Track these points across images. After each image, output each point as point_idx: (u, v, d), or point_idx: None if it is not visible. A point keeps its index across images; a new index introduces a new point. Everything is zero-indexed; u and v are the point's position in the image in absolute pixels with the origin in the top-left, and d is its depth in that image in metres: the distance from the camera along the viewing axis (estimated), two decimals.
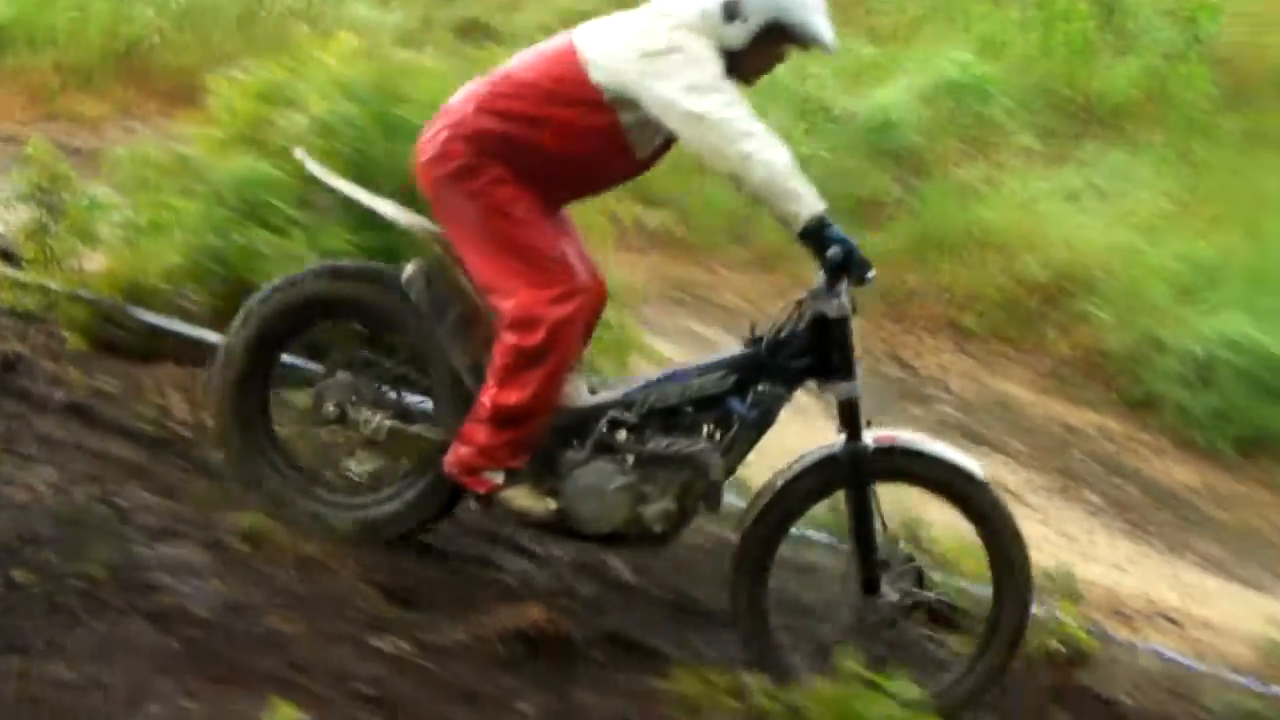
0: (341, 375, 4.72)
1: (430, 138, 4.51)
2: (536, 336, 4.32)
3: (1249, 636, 6.31)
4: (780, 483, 4.57)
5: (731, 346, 4.71)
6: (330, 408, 4.69)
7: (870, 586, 4.53)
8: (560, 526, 4.54)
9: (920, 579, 4.61)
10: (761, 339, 4.52)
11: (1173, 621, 6.52)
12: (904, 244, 11.34)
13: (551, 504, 4.47)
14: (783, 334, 4.49)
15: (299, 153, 4.92)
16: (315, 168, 4.85)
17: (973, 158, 11.52)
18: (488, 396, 4.41)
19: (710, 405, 4.50)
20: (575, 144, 4.42)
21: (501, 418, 4.40)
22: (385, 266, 4.75)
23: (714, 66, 4.29)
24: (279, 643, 3.87)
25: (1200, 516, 8.87)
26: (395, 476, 4.78)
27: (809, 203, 4.21)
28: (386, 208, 4.73)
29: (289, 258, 5.43)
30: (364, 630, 4.12)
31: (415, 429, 4.65)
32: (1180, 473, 9.35)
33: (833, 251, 4.22)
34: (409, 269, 4.60)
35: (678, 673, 3.38)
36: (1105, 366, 10.09)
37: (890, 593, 4.51)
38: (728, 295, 10.83)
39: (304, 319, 4.78)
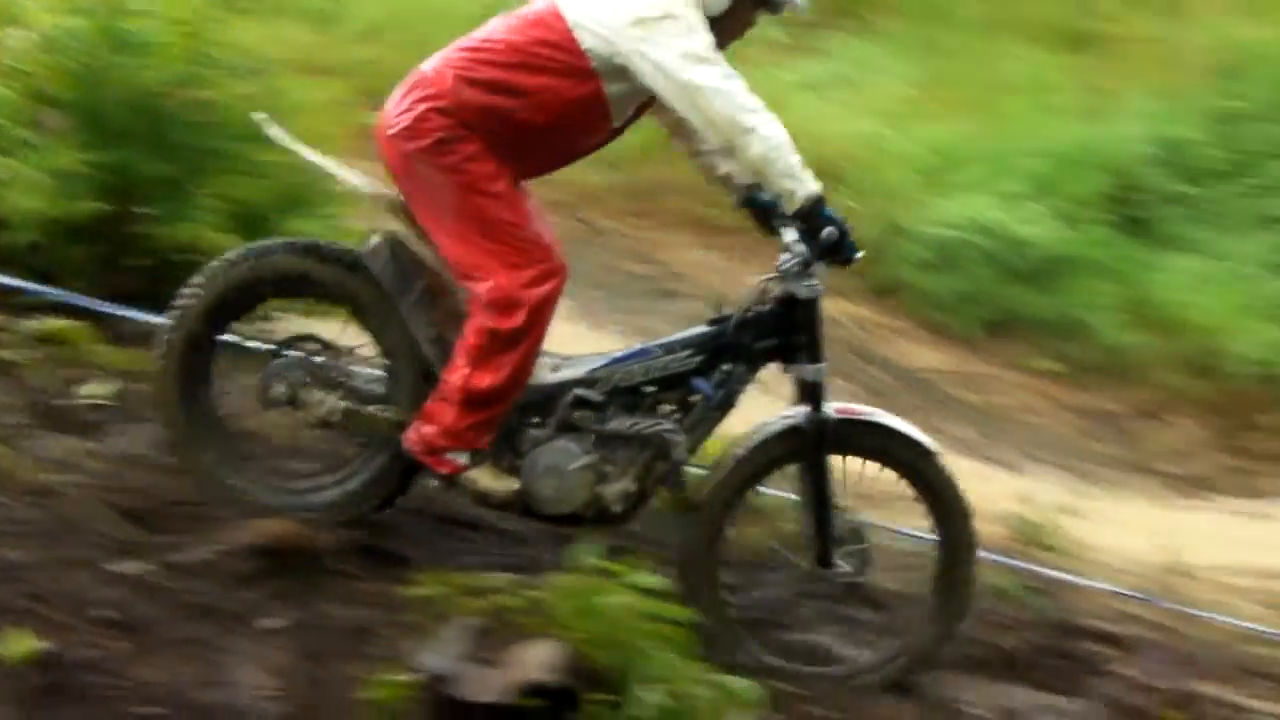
0: (289, 354, 4.59)
1: (402, 109, 4.31)
2: (516, 319, 4.25)
3: (999, 515, 6.55)
4: (742, 451, 4.57)
5: (697, 326, 4.63)
6: (280, 389, 4.55)
7: (824, 559, 4.59)
8: (520, 507, 4.50)
9: (867, 560, 4.66)
10: (727, 318, 4.50)
11: None
12: (646, 139, 11.42)
13: (514, 484, 4.42)
14: (749, 314, 4.46)
15: (259, 118, 4.66)
16: (278, 134, 4.63)
17: None
18: (458, 376, 4.32)
19: (674, 384, 4.49)
20: (557, 113, 4.31)
21: (473, 399, 4.32)
22: (348, 245, 4.59)
23: (707, 35, 4.22)
24: (14, 573, 3.80)
25: (949, 399, 9.21)
26: (345, 458, 4.71)
27: (806, 182, 4.19)
28: (351, 175, 4.58)
29: (19, 178, 5.27)
30: (104, 555, 4.05)
31: (371, 409, 4.54)
32: (929, 356, 9.66)
33: (828, 232, 4.19)
34: (371, 241, 4.48)
35: (421, 577, 3.44)
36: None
37: (843, 566, 4.59)
38: None
39: (262, 293, 4.62)
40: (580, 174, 11.13)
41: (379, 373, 4.62)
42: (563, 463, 4.39)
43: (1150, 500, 8.25)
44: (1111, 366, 10.11)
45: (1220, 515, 8.28)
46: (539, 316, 4.29)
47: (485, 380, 4.28)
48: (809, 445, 4.48)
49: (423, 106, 4.25)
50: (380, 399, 4.56)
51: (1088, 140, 11.16)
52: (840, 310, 9.84)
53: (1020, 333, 10.20)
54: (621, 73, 4.25)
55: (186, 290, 4.52)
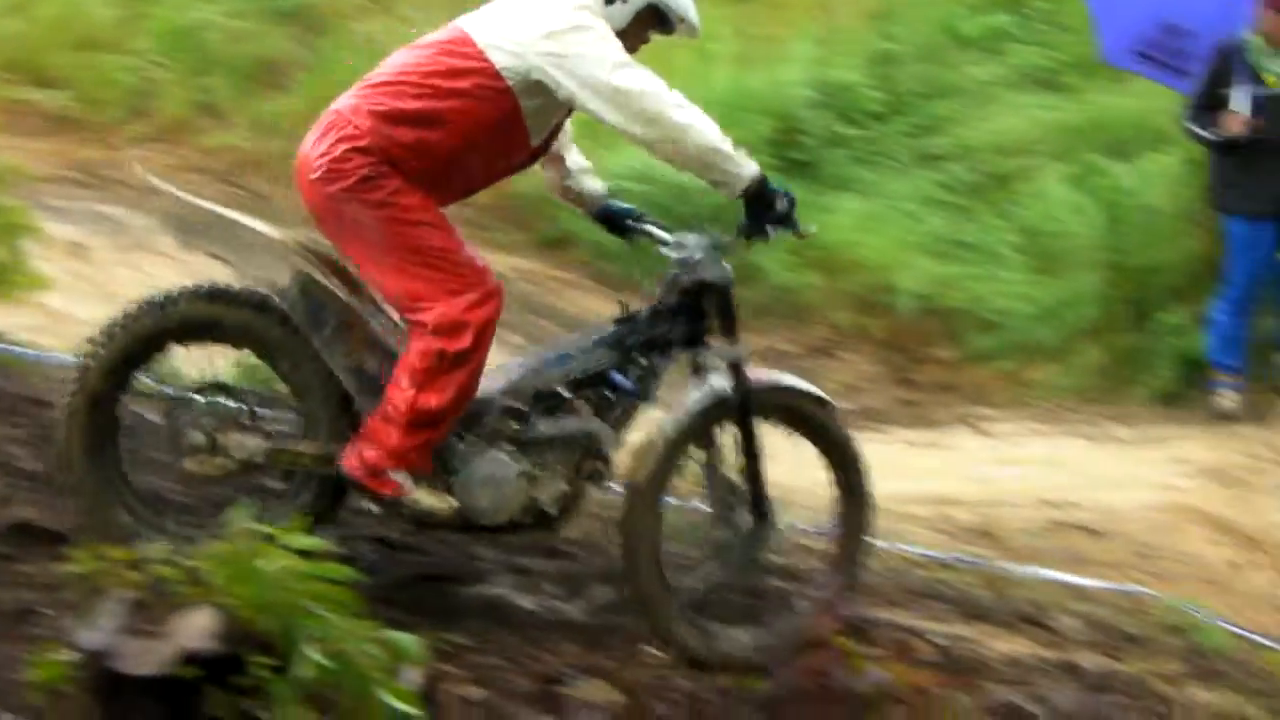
0: (197, 400, 4.56)
1: (321, 151, 4.37)
2: (463, 341, 4.33)
3: None
4: (672, 429, 4.65)
5: (604, 324, 4.76)
6: (197, 435, 4.52)
7: (763, 513, 4.77)
8: (459, 523, 4.54)
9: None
10: (635, 314, 4.67)
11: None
12: (304, 104, 11.30)
13: (453, 502, 4.49)
14: (660, 306, 4.65)
15: (141, 170, 4.60)
16: (165, 186, 4.70)
17: (370, 12, 11.59)
18: (402, 400, 4.36)
19: (593, 383, 4.62)
20: (478, 137, 4.40)
21: (420, 419, 4.37)
22: (257, 289, 4.57)
23: (618, 41, 4.32)
24: None
25: None
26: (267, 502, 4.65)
27: (747, 164, 4.34)
28: (253, 222, 4.61)
29: None
30: None
31: (294, 446, 4.56)
32: (596, 305, 9.79)
33: (780, 205, 4.38)
34: (283, 283, 4.51)
35: (75, 554, 3.39)
36: (522, 209, 10.40)
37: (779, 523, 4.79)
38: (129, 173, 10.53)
39: (167, 342, 4.56)
40: (238, 140, 11.01)
41: (288, 414, 4.65)
42: (497, 472, 4.52)
43: None
44: (783, 308, 10.45)
45: (895, 447, 8.63)
46: (483, 337, 4.39)
47: (433, 400, 4.36)
48: (736, 412, 4.65)
49: (342, 147, 4.33)
50: (295, 437, 4.60)
51: (750, 87, 11.43)
52: (508, 265, 9.91)
53: None
54: (537, 88, 4.35)
55: (88, 346, 4.46)
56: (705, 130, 4.30)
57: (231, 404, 4.58)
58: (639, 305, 4.74)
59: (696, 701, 3.94)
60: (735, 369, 4.65)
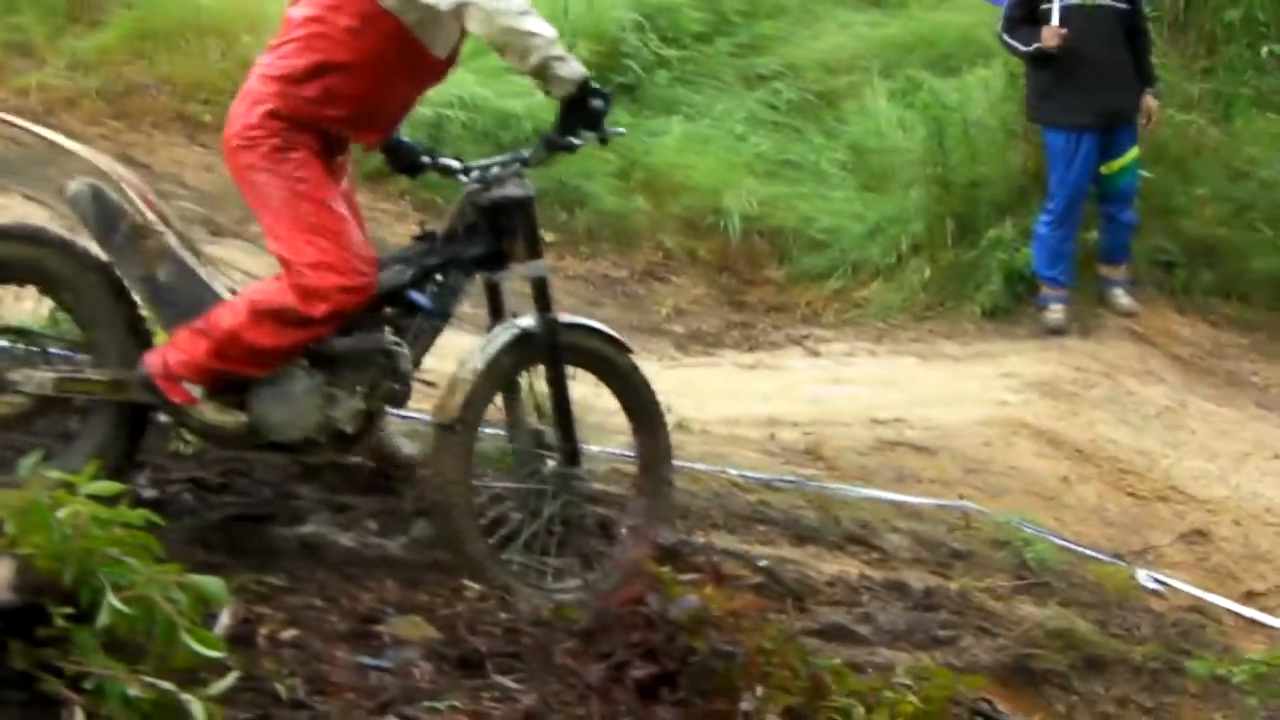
0: None
1: (236, 123, 4.45)
2: (316, 309, 4.37)
3: None
4: (480, 364, 4.58)
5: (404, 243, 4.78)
6: None
7: (572, 458, 4.72)
8: (250, 439, 4.52)
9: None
10: (433, 233, 4.68)
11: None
12: (120, 38, 11.11)
13: (241, 417, 4.47)
14: (458, 224, 4.63)
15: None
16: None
17: None
18: (231, 319, 4.40)
19: (390, 300, 4.58)
20: (377, 68, 4.46)
21: (237, 349, 4.41)
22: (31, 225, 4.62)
23: None
24: None
25: None
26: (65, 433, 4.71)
27: (575, 67, 4.37)
28: (62, 139, 4.72)
29: None
30: None
31: (85, 374, 4.52)
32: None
33: (596, 104, 4.40)
34: (72, 186, 4.51)
35: None
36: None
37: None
38: None
39: None
40: (52, 79, 10.76)
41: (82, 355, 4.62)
42: (289, 388, 4.50)
43: (660, 360, 8.58)
44: (611, 232, 10.49)
45: (725, 369, 8.76)
46: (331, 320, 4.42)
47: (257, 337, 4.40)
48: (543, 347, 4.63)
49: (257, 112, 4.41)
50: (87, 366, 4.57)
51: (571, 9, 11.40)
52: None
53: None
54: (413, 3, 4.37)
55: None
56: (547, 40, 4.33)
57: (22, 347, 4.57)
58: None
59: (513, 634, 3.97)
60: (540, 286, 4.65)
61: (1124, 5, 8.97)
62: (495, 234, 4.64)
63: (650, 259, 10.38)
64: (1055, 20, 8.86)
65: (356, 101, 4.50)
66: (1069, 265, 9.29)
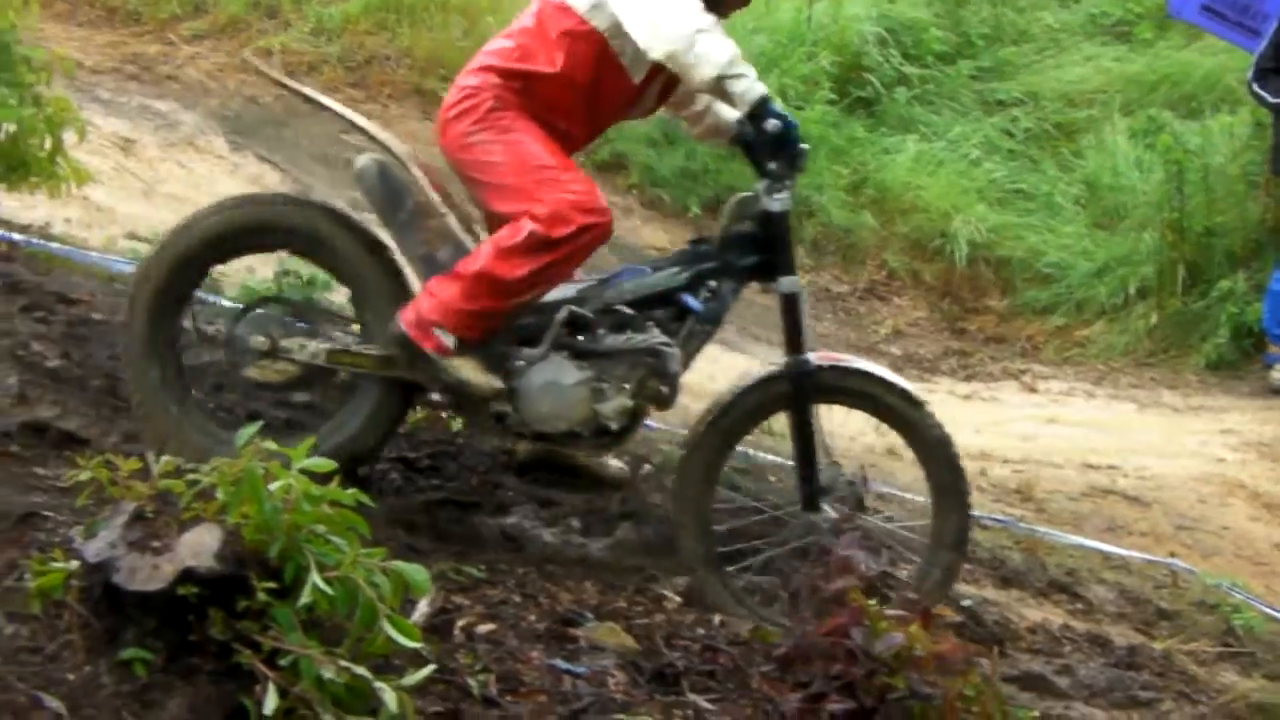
0: (260, 309, 4.60)
1: (449, 103, 4.52)
2: (563, 229, 4.33)
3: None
4: (725, 399, 4.60)
5: (680, 246, 4.76)
6: (259, 339, 4.53)
7: (811, 504, 4.63)
8: (503, 421, 4.52)
9: (861, 504, 4.73)
10: (708, 238, 4.63)
11: None
12: (364, 7, 11.24)
13: (497, 382, 4.45)
14: (731, 232, 4.55)
15: (262, 65, 4.71)
16: (287, 80, 4.76)
17: None
18: (476, 261, 4.38)
19: (663, 302, 4.58)
20: (578, 83, 4.49)
21: (485, 284, 4.38)
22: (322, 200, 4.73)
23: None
24: None
25: None
26: (328, 407, 4.74)
27: (755, 85, 4.30)
28: (359, 118, 4.72)
29: None
30: None
31: (356, 347, 4.57)
32: (648, 231, 9.74)
33: (771, 124, 4.29)
34: (360, 161, 4.53)
35: (84, 460, 3.31)
36: None
37: (831, 512, 4.61)
38: (187, 70, 10.49)
39: (236, 246, 4.59)
40: (295, 42, 10.95)
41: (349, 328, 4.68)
42: (560, 379, 4.49)
43: None
44: (836, 246, 10.34)
45: (939, 396, 8.53)
46: (582, 239, 4.38)
47: (503, 270, 4.35)
48: (790, 391, 4.55)
49: (464, 96, 4.46)
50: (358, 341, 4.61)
51: (814, 19, 11.27)
52: None
53: None
54: (620, 28, 4.40)
55: (162, 239, 4.52)
56: (723, 54, 4.27)
57: (295, 313, 4.63)
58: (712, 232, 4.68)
59: (711, 651, 3.85)
60: (790, 303, 4.51)
61: None
62: (764, 246, 4.53)
63: (873, 277, 10.21)
64: None
65: (555, 112, 4.51)
66: None
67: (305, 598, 2.97)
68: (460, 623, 3.70)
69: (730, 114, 4.79)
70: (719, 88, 4.31)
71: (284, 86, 5.16)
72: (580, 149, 4.81)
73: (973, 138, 11.21)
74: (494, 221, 4.56)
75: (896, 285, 10.14)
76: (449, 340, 4.40)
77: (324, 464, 3.14)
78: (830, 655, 3.55)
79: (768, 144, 4.33)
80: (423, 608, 3.62)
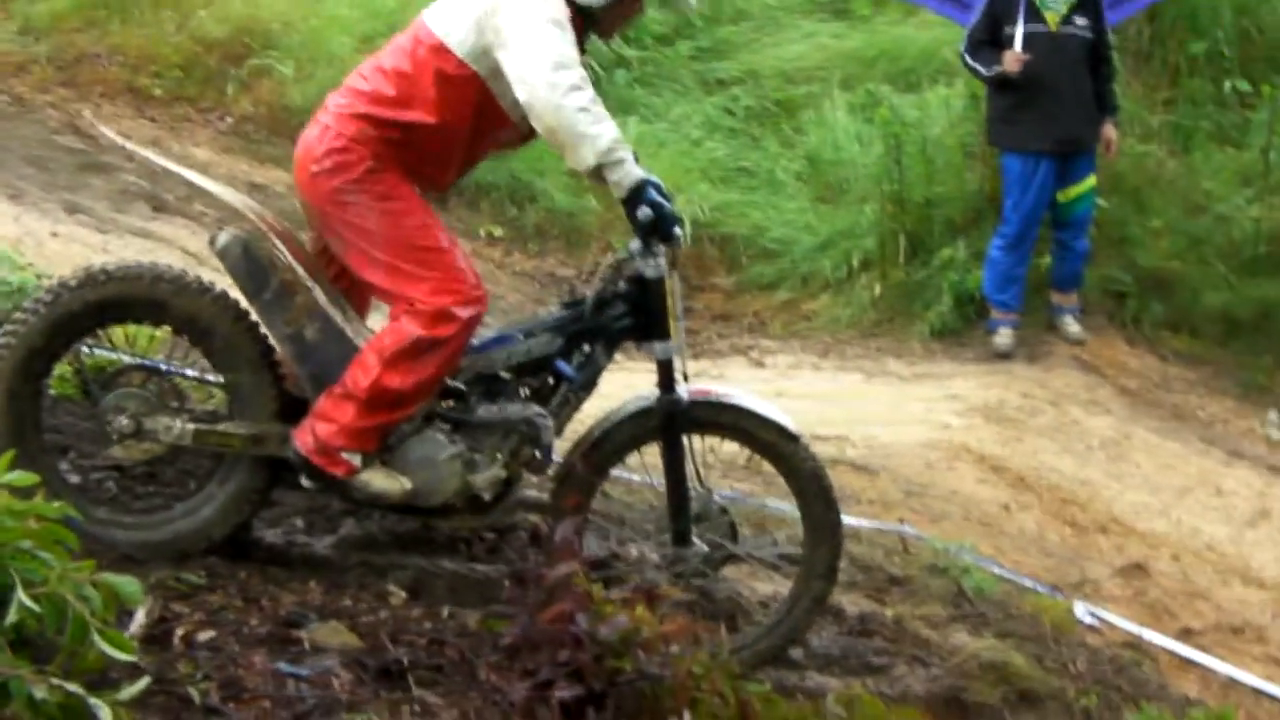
0: (123, 386, 4.50)
1: (318, 147, 4.42)
2: (447, 329, 4.33)
3: None
4: (597, 432, 4.65)
5: (553, 308, 4.77)
6: (123, 421, 4.45)
7: (681, 538, 4.70)
8: (401, 506, 4.49)
9: (733, 532, 4.84)
10: (582, 300, 4.62)
11: None
12: (73, 4, 11.00)
13: (406, 483, 4.44)
14: (605, 294, 4.57)
15: (88, 114, 4.41)
16: (111, 134, 4.69)
17: None
18: (367, 376, 4.33)
19: (536, 369, 4.59)
20: (454, 123, 4.44)
21: (381, 399, 4.35)
22: (186, 271, 4.56)
23: (555, 34, 4.28)
24: None
25: None
26: (190, 487, 4.69)
27: (631, 172, 4.32)
28: (195, 177, 4.66)
29: None
30: None
31: (223, 427, 4.48)
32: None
33: (642, 212, 4.33)
34: (222, 238, 4.48)
35: None
36: (289, 121, 10.20)
37: (700, 544, 4.71)
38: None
39: (97, 321, 4.49)
40: (2, 43, 10.65)
41: (216, 393, 4.65)
42: (433, 454, 4.49)
43: None
44: (561, 230, 10.44)
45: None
46: (464, 334, 4.39)
47: (396, 381, 4.34)
48: (661, 425, 4.62)
49: (339, 142, 4.38)
50: (225, 416, 4.55)
51: None
52: (272, 177, 9.78)
53: (465, 197, 10.40)
54: (497, 72, 4.37)
55: (10, 324, 4.40)
56: (601, 136, 4.27)
57: (158, 387, 4.54)
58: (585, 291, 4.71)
59: (437, 645, 3.91)
60: (665, 369, 4.61)
61: (1089, 34, 8.94)
62: (639, 308, 4.59)
63: (599, 260, 10.32)
64: (1018, 45, 8.82)
65: (430, 153, 4.49)
66: (1020, 290, 9.28)
67: (11, 616, 2.95)
68: (179, 631, 3.69)
69: None
70: (597, 173, 4.32)
71: (123, 149, 5.06)
72: (454, 182, 4.82)
73: (694, 117, 11.39)
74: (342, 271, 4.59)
75: None
76: (356, 460, 4.41)
77: (26, 478, 3.12)
78: (557, 642, 3.64)
79: (640, 226, 4.38)
80: (139, 618, 3.62)
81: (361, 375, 4.35)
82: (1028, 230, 9.12)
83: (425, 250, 4.38)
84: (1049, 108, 8.82)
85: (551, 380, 4.63)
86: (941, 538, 6.59)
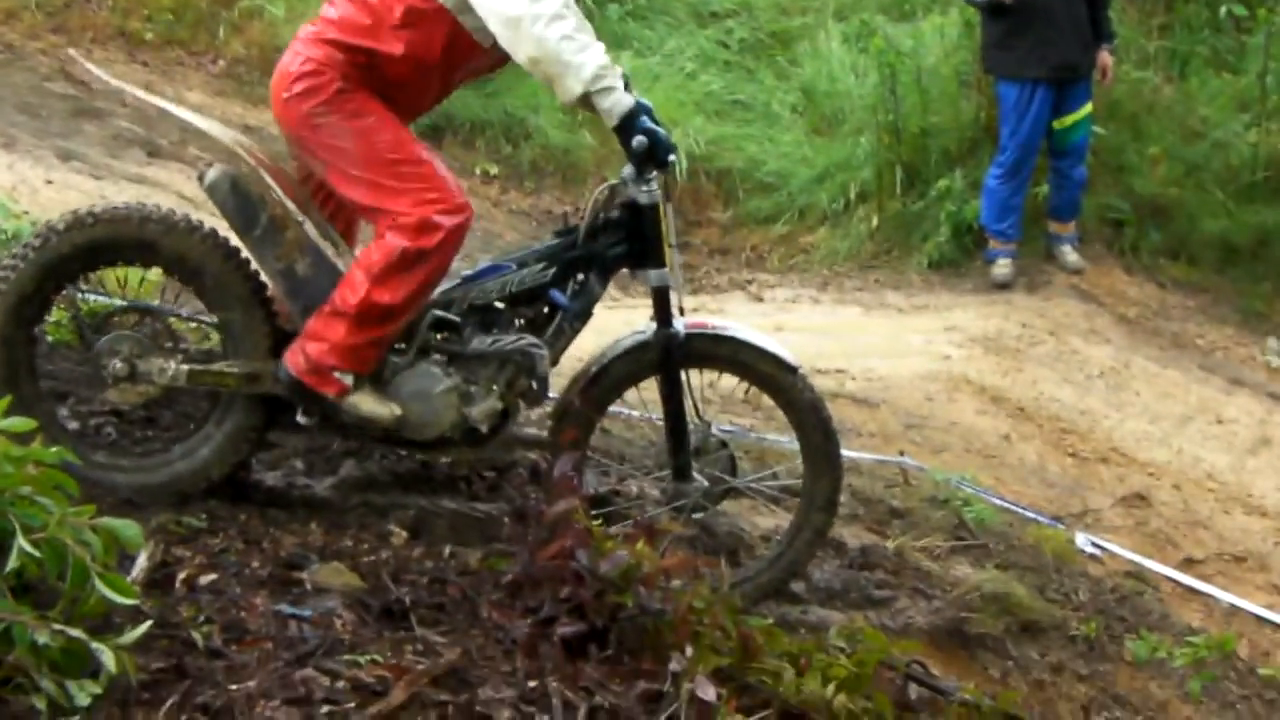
0: (116, 329, 4.48)
1: (291, 74, 4.34)
2: (432, 239, 4.28)
3: None
4: (594, 368, 4.63)
5: (546, 238, 4.67)
6: (117, 364, 4.44)
7: (681, 473, 4.68)
8: (392, 435, 4.49)
9: (733, 466, 4.82)
10: (575, 228, 4.57)
11: None
12: None
13: (395, 408, 4.41)
14: (598, 221, 4.52)
15: (74, 53, 4.35)
16: (99, 72, 4.57)
17: None
18: (355, 293, 4.31)
19: (530, 299, 4.55)
20: (425, 57, 4.37)
21: (370, 314, 4.32)
22: (174, 211, 4.49)
23: None
24: None
25: None
26: (187, 427, 4.70)
27: (622, 99, 4.23)
28: (183, 113, 4.59)
29: None
30: None
31: (217, 367, 4.46)
32: None
33: (637, 141, 4.25)
34: (210, 174, 4.43)
35: None
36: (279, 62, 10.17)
37: (700, 479, 4.69)
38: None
39: (87, 264, 4.45)
40: None
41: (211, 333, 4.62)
42: (428, 386, 4.46)
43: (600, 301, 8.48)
44: (557, 168, 10.40)
45: None
46: (449, 243, 4.33)
47: (385, 296, 4.30)
48: (658, 359, 4.58)
49: (309, 66, 4.31)
50: (219, 355, 4.52)
51: None
52: (267, 119, 9.72)
53: (459, 135, 10.36)
54: (466, 5, 4.28)
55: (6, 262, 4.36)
56: (594, 68, 4.18)
57: (151, 329, 4.51)
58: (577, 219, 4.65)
59: (439, 584, 3.91)
60: (660, 296, 4.56)
61: None
62: (633, 234, 4.53)
63: (590, 194, 10.32)
64: None
65: (401, 83, 4.41)
66: (1018, 220, 9.28)
67: (12, 562, 2.96)
68: (181, 575, 3.68)
69: None
70: (586, 102, 4.24)
71: (106, 84, 4.98)
72: (425, 111, 4.76)
73: (687, 51, 11.34)
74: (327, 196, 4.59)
75: None
76: (348, 379, 4.39)
77: (24, 423, 3.11)
78: (558, 578, 3.65)
79: (634, 154, 4.31)
80: (140, 563, 3.62)
81: (350, 293, 4.33)
82: (1025, 159, 9.10)
83: (402, 163, 4.33)
84: (1045, 34, 8.77)
85: (546, 310, 4.58)
86: (942, 469, 6.60)
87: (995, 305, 9.00)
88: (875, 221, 9.91)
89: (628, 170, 4.45)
